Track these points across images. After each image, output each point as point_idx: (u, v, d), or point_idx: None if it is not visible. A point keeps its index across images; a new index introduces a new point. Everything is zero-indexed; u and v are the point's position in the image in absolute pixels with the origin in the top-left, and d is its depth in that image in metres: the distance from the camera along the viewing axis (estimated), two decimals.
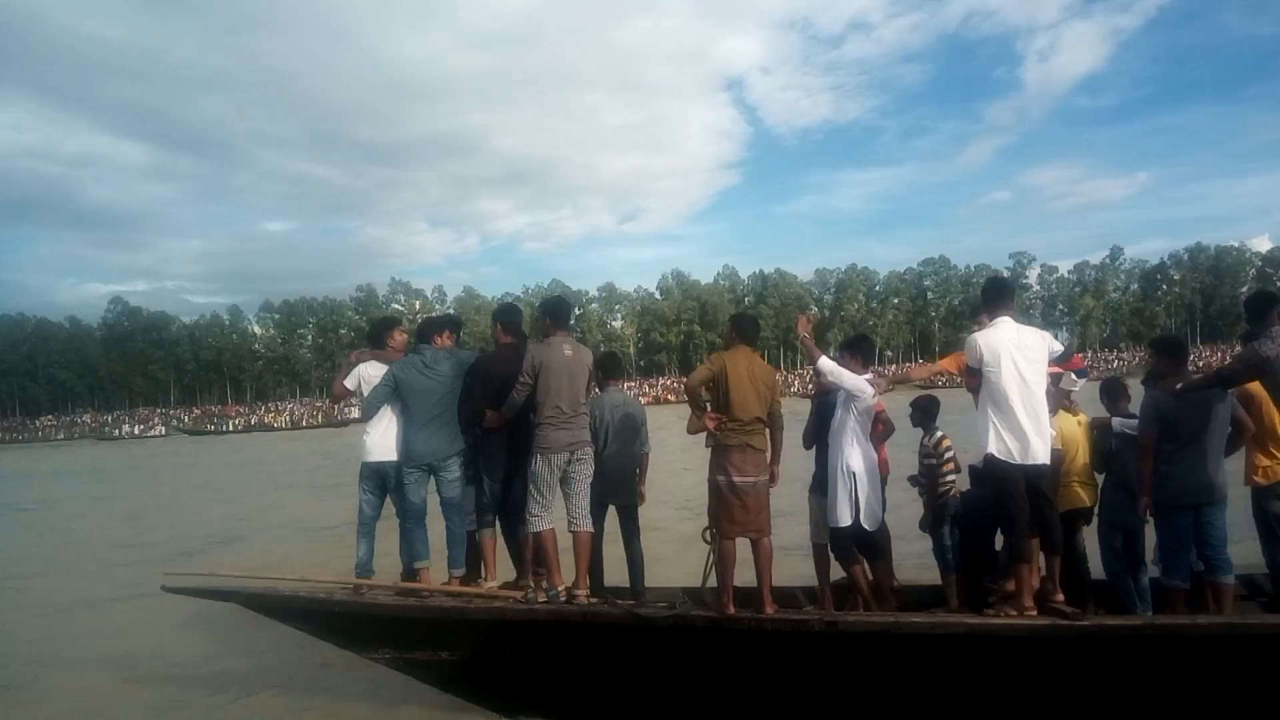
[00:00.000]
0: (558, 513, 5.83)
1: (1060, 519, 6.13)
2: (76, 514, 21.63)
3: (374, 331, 6.88)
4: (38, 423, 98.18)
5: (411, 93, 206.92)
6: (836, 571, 6.15)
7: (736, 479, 5.39)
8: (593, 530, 5.91)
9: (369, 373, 6.29)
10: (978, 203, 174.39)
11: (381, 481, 6.18)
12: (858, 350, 6.48)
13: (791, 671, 5.31)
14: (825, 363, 5.95)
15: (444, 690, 6.19)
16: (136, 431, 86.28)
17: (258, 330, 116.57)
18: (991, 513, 6.34)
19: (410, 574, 6.11)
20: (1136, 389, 6.11)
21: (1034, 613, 5.10)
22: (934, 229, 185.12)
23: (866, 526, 5.79)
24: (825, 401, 6.24)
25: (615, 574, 6.40)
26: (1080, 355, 6.43)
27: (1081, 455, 6.23)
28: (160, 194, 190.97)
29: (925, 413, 6.72)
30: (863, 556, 6.01)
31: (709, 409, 5.54)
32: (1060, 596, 5.29)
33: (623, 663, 5.55)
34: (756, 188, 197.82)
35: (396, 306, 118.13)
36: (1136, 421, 5.87)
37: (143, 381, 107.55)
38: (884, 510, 5.92)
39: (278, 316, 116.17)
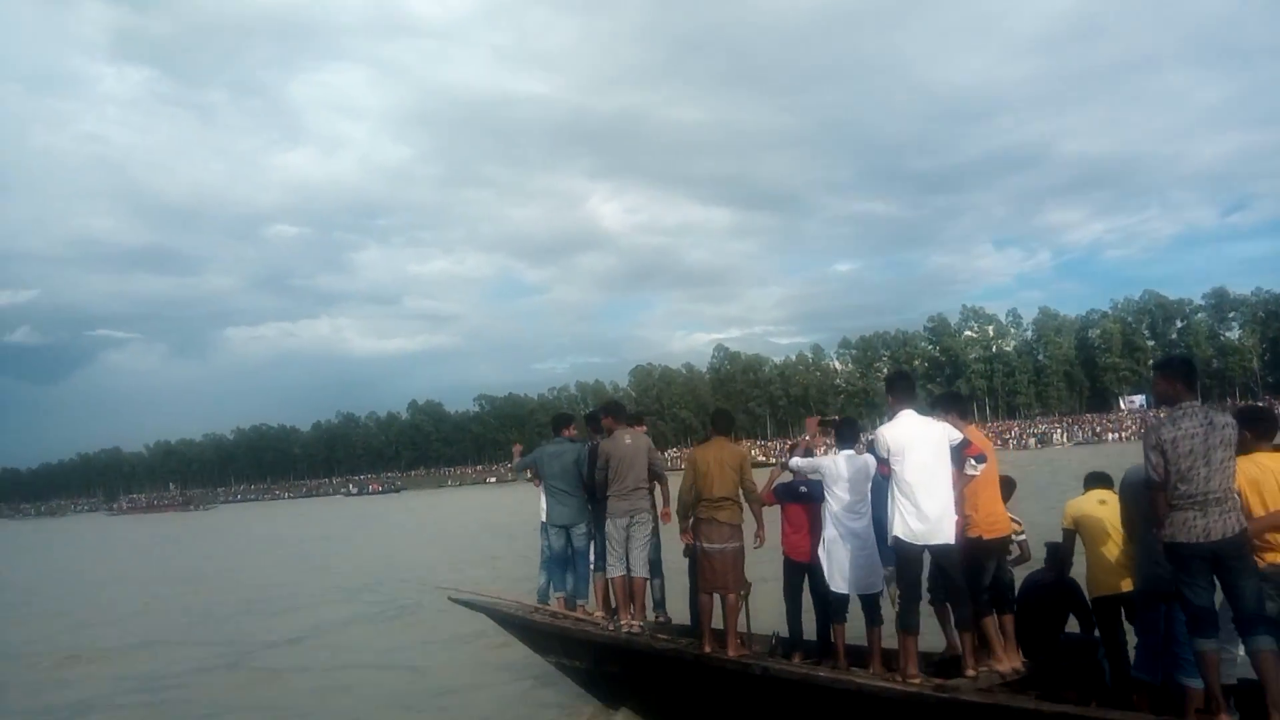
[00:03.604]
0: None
1: (1095, 605, 6.29)
2: None
3: (554, 423, 9.28)
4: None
5: (965, 114, 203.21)
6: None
7: (705, 545, 6.85)
8: (648, 577, 7.70)
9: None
10: None
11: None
12: (951, 407, 6.54)
13: (740, 701, 6.59)
14: (793, 462, 6.96)
15: (583, 688, 8.47)
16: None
17: (837, 366, 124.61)
18: (1054, 594, 6.67)
19: (564, 601, 8.49)
20: None
21: (916, 680, 5.69)
22: None
23: (834, 589, 6.62)
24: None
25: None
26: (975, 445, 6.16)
27: (1112, 538, 6.15)
28: (743, 249, 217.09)
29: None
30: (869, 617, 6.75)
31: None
32: (971, 672, 5.75)
33: (650, 679, 7.36)
34: None
35: (969, 334, 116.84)
36: None
37: (744, 418, 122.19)
38: (850, 577, 6.54)
39: (855, 352, 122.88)
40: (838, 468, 6.69)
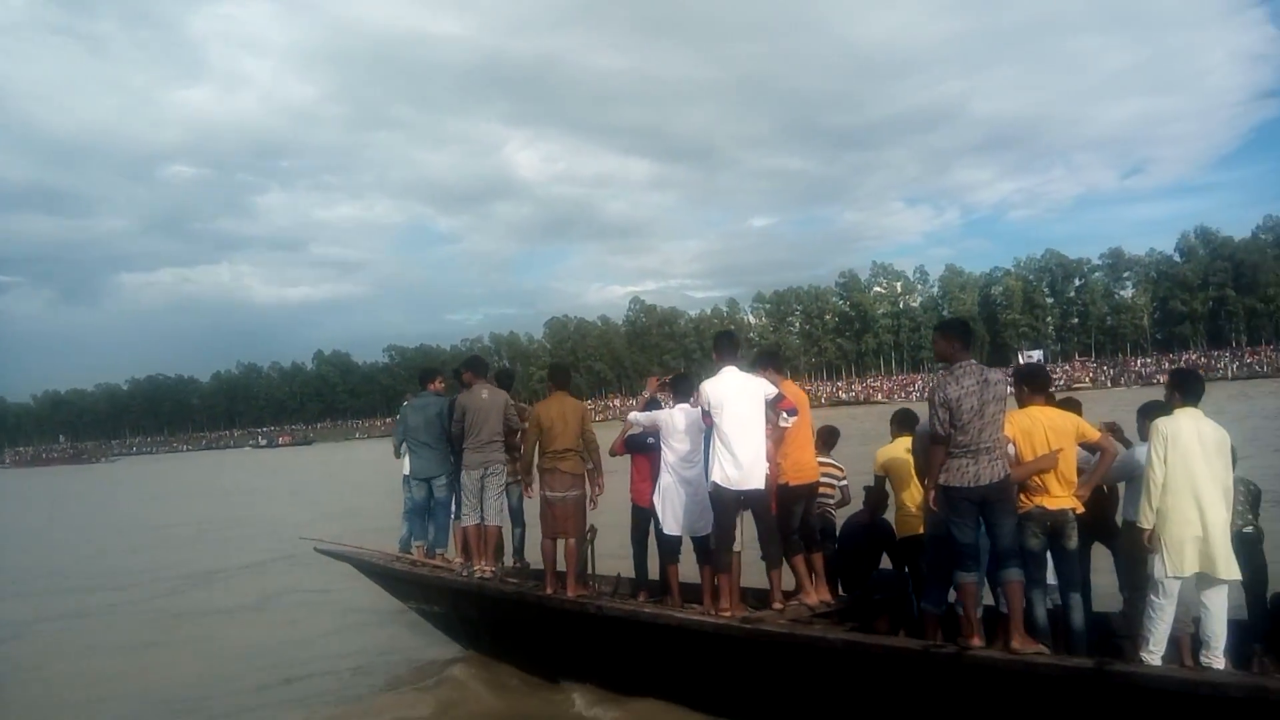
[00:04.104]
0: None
1: (901, 544, 6.85)
2: None
3: (420, 377, 9.44)
4: None
5: (882, 71, 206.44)
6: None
7: (548, 493, 7.18)
8: (500, 525, 8.02)
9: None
10: None
11: None
12: (768, 363, 7.02)
13: (580, 638, 7.02)
14: (632, 416, 7.34)
15: (443, 632, 8.80)
16: None
17: (751, 320, 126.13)
18: (867, 534, 7.21)
19: (424, 550, 8.75)
20: None
21: (728, 614, 6.17)
22: None
23: (667, 531, 7.03)
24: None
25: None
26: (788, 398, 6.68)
27: (915, 483, 6.67)
28: (661, 202, 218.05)
29: (823, 440, 7.73)
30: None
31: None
32: (779, 605, 6.26)
33: (501, 621, 7.76)
34: None
35: (878, 290, 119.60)
36: None
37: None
38: (683, 521, 6.90)
39: (768, 306, 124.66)
40: (674, 420, 7.06)
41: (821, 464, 7.47)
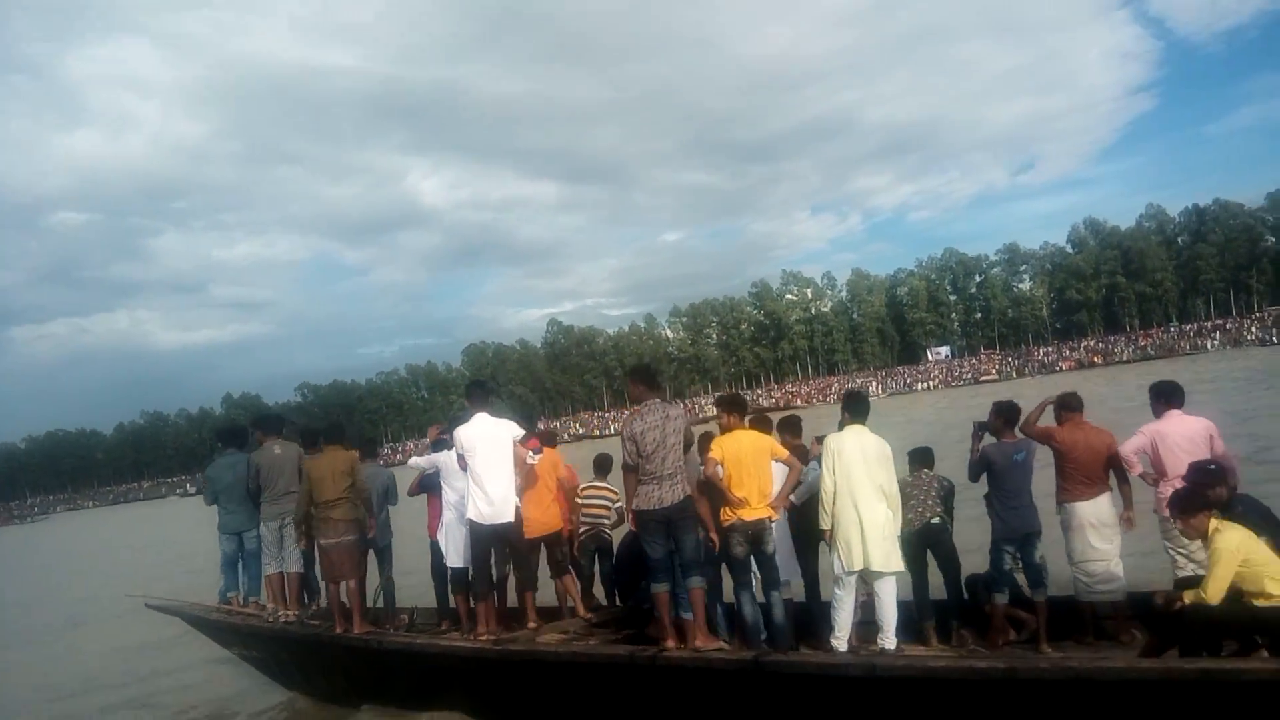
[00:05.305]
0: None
1: None
2: None
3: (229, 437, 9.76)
4: None
5: (779, 85, 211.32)
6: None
7: (323, 541, 7.63)
8: (302, 571, 8.47)
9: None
10: None
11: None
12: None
13: (370, 670, 7.55)
14: (412, 461, 7.89)
15: (265, 674, 9.21)
16: (582, 433, 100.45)
17: (669, 334, 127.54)
18: (635, 549, 7.86)
19: (239, 599, 9.12)
20: None
21: (485, 638, 6.75)
22: None
23: (450, 565, 7.58)
24: None
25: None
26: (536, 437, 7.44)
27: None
28: (572, 223, 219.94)
29: (598, 466, 8.43)
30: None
31: None
32: (533, 624, 6.89)
33: (307, 660, 8.31)
34: (1177, 110, 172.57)
35: (790, 297, 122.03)
36: None
37: (580, 390, 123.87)
38: (464, 554, 7.36)
39: (685, 319, 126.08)
40: (452, 462, 7.57)
41: (596, 488, 8.26)
